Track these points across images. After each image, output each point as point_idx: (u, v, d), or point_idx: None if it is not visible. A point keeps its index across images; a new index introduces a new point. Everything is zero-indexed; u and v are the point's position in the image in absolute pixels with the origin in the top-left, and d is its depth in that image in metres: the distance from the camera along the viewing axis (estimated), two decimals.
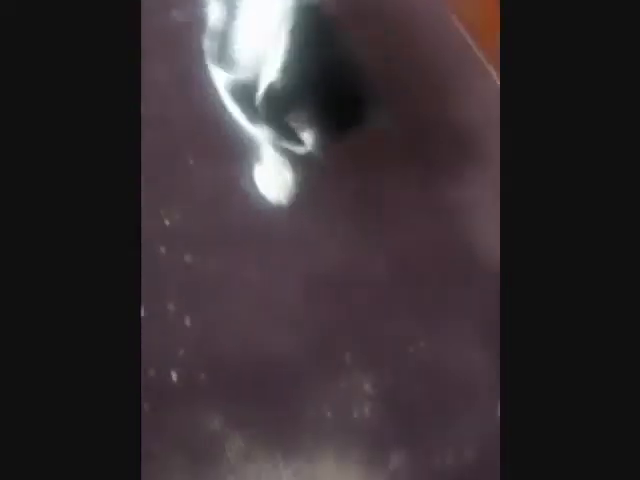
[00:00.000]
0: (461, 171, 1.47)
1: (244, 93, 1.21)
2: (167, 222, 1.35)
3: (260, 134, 1.29)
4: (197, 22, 1.30)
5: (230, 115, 1.29)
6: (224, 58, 1.22)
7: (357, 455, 1.20)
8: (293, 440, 1.20)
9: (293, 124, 1.13)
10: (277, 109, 1.15)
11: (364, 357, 1.28)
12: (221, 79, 1.26)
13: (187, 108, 1.43)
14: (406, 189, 1.45)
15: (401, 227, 1.42)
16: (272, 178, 1.38)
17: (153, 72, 1.49)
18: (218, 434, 1.19)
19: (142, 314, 1.25)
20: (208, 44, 1.26)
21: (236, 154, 1.39)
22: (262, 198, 1.38)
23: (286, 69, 1.14)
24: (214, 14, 1.24)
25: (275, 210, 1.38)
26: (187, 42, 1.35)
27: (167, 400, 1.20)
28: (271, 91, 1.14)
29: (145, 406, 1.18)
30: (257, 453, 1.19)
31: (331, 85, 1.14)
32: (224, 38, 1.21)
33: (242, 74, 1.21)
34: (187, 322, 1.27)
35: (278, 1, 1.16)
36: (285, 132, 1.17)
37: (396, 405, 1.24)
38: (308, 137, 1.12)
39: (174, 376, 1.22)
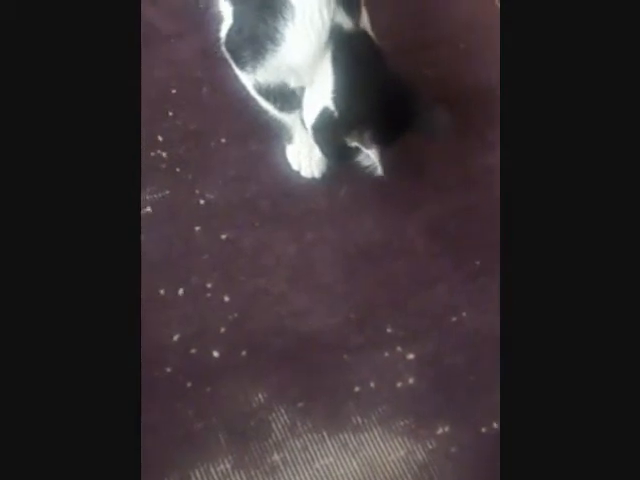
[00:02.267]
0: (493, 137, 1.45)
1: (273, 91, 1.26)
2: (202, 201, 1.35)
3: (290, 118, 1.32)
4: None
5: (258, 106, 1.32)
6: (253, 64, 1.23)
7: (402, 425, 1.19)
8: (337, 412, 1.19)
9: (355, 142, 1.18)
10: (334, 131, 1.21)
11: (406, 328, 1.27)
12: (249, 80, 1.28)
13: (217, 88, 1.43)
14: (441, 159, 1.43)
15: (437, 197, 1.40)
16: (304, 155, 1.38)
17: (180, 52, 1.51)
18: (262, 410, 1.19)
19: (180, 293, 1.26)
20: (234, 48, 1.27)
21: (267, 132, 1.39)
22: (295, 173, 1.38)
23: (337, 91, 1.19)
24: (244, 20, 1.24)
25: (309, 184, 1.38)
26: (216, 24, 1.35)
27: (210, 378, 1.20)
28: (326, 115, 1.20)
29: (188, 384, 1.19)
30: (302, 427, 1.18)
31: (384, 99, 1.20)
32: (255, 45, 1.21)
33: (272, 78, 1.24)
34: (226, 299, 1.26)
35: (316, 18, 1.17)
36: (340, 151, 1.23)
37: (440, 374, 1.23)
38: (371, 151, 1.16)
39: (215, 354, 1.22)
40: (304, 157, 1.38)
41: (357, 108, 1.19)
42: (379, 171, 1.18)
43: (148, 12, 1.50)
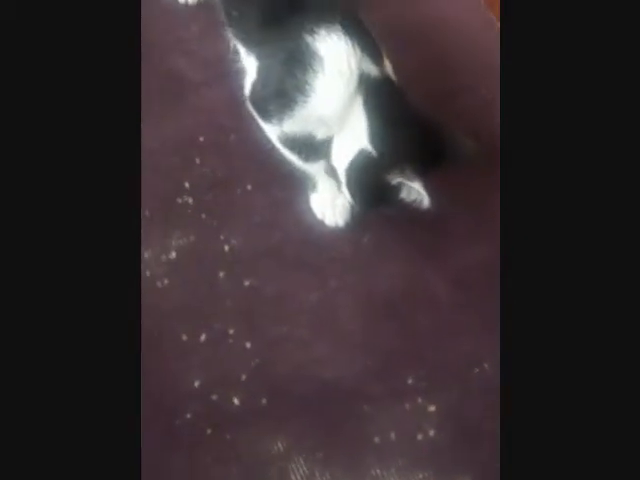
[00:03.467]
0: None
1: (299, 142, 1.28)
2: (226, 247, 1.37)
3: (314, 168, 1.35)
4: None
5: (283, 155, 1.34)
6: (280, 117, 1.26)
7: (421, 478, 1.17)
8: (357, 463, 1.18)
9: (398, 179, 1.19)
10: (375, 171, 1.22)
11: (427, 379, 1.26)
12: (274, 132, 1.30)
13: (244, 135, 1.46)
14: (464, 208, 1.43)
15: (461, 247, 1.40)
16: (328, 204, 1.40)
17: (209, 101, 1.53)
18: (281, 459, 1.18)
19: (202, 339, 1.26)
20: (260, 102, 1.30)
21: (292, 180, 1.41)
22: (319, 222, 1.39)
23: (373, 133, 1.21)
24: (270, 74, 1.27)
25: (333, 232, 1.39)
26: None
27: (230, 425, 1.20)
28: (363, 157, 1.22)
29: (208, 431, 1.19)
30: (321, 477, 1.17)
31: (417, 134, 1.22)
32: (282, 98, 1.24)
33: (299, 129, 1.26)
34: (247, 345, 1.27)
35: (344, 68, 1.20)
36: (374, 194, 1.25)
37: (461, 427, 1.21)
38: (415, 184, 1.17)
39: (236, 401, 1.22)
40: (328, 206, 1.39)
41: (395, 145, 1.21)
42: (425, 202, 1.19)
43: (179, 63, 1.55)
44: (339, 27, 1.19)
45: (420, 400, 1.23)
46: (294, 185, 1.41)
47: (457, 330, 1.31)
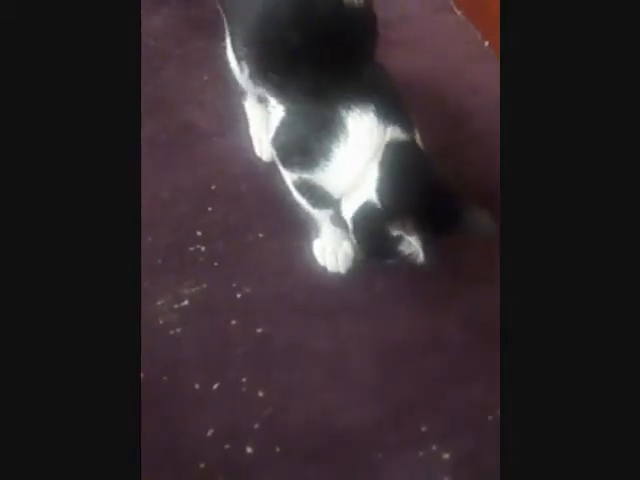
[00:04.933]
0: None
1: (311, 189, 1.31)
2: (239, 295, 1.37)
3: (320, 215, 1.37)
4: None
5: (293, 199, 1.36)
6: (301, 169, 1.30)
7: None
8: None
9: (397, 231, 1.19)
10: (376, 221, 1.23)
11: (441, 426, 1.25)
12: (289, 176, 1.33)
13: (255, 184, 1.48)
14: (476, 253, 1.43)
15: (473, 291, 1.40)
16: (330, 251, 1.41)
17: (221, 150, 1.56)
18: None
19: (215, 387, 1.26)
20: (283, 152, 1.33)
21: (303, 228, 1.43)
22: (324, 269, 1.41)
23: (382, 189, 1.22)
24: (296, 130, 1.30)
25: (345, 279, 1.39)
26: None
27: (243, 474, 1.19)
28: (368, 207, 1.24)
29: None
30: None
31: (427, 195, 1.23)
32: (305, 156, 1.27)
33: (312, 176, 1.28)
34: (260, 394, 1.26)
35: (366, 141, 1.23)
36: (378, 244, 1.25)
37: (475, 475, 1.20)
38: (413, 239, 1.18)
39: (249, 449, 1.21)
40: (330, 252, 1.41)
41: (400, 201, 1.22)
42: (420, 258, 1.19)
43: (195, 115, 1.58)
44: (372, 107, 1.23)
45: (434, 447, 1.22)
46: (305, 232, 1.43)
47: (470, 376, 1.30)
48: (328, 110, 1.23)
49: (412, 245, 1.19)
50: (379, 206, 1.22)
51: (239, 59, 1.39)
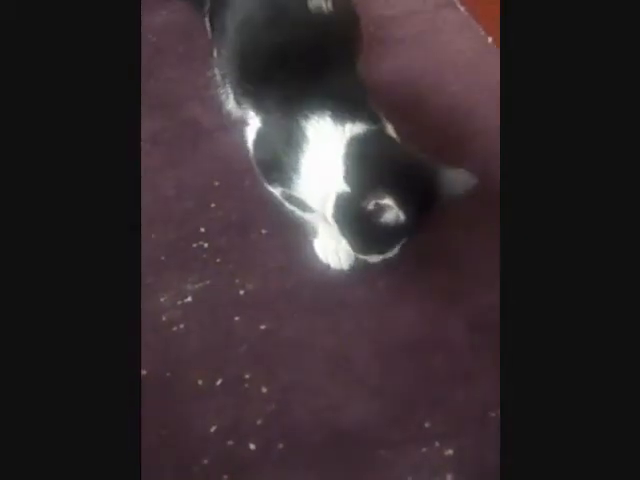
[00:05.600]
0: None
1: (297, 200, 1.33)
2: (242, 292, 1.37)
3: (312, 216, 1.38)
4: None
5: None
6: (281, 184, 1.32)
7: None
8: None
9: (372, 205, 1.18)
10: (351, 204, 1.22)
11: (444, 423, 1.25)
12: (276, 190, 1.36)
13: (259, 180, 1.48)
14: (483, 246, 1.43)
15: (476, 290, 1.40)
16: (331, 249, 1.41)
17: (224, 146, 1.56)
18: None
19: (218, 383, 1.26)
20: (263, 167, 1.35)
21: (305, 224, 1.43)
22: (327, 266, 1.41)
23: (347, 174, 1.23)
24: (270, 143, 1.31)
25: (348, 276, 1.39)
26: None
27: (246, 471, 1.19)
28: (341, 198, 1.23)
29: (224, 477, 1.18)
30: None
31: (397, 165, 1.23)
32: (280, 172, 1.29)
33: (291, 190, 1.31)
34: (263, 390, 1.26)
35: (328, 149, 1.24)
36: (366, 238, 1.27)
37: (479, 471, 1.20)
38: (387, 205, 1.17)
39: (252, 446, 1.22)
40: (331, 251, 1.41)
41: (367, 175, 1.21)
42: (401, 217, 1.18)
43: (196, 111, 1.58)
44: (329, 112, 1.23)
45: (437, 444, 1.22)
46: (308, 229, 1.43)
47: (473, 373, 1.30)
48: (293, 121, 1.24)
49: (389, 208, 1.17)
50: (349, 190, 1.22)
51: (223, 83, 1.42)
